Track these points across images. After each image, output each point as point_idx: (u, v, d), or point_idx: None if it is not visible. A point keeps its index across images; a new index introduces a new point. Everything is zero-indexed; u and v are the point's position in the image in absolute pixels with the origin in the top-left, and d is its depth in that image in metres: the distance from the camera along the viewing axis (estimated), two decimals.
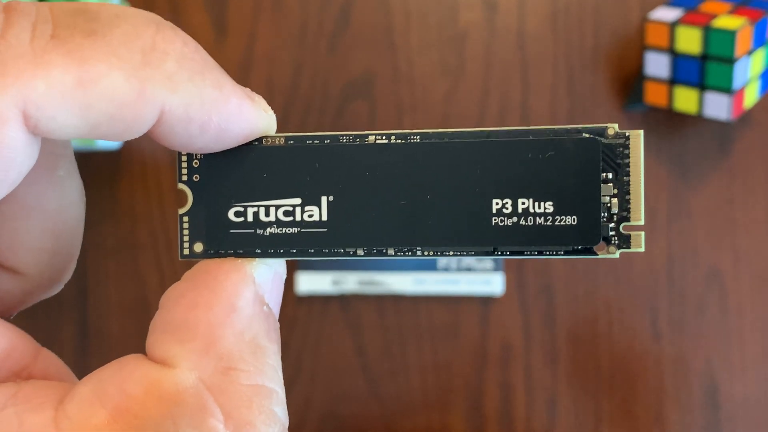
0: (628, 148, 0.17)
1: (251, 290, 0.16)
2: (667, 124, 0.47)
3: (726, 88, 0.41)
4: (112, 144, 0.46)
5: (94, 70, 0.14)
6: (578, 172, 0.17)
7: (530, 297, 0.48)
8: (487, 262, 0.46)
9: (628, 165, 0.17)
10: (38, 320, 0.49)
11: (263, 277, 0.17)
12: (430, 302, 0.48)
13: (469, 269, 0.46)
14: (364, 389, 0.48)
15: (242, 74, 0.48)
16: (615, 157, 0.17)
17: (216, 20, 0.49)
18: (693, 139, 0.47)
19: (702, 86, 0.42)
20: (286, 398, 0.17)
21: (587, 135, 0.17)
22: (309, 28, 0.48)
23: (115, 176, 0.49)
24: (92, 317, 0.49)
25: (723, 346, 0.47)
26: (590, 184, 0.17)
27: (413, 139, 0.17)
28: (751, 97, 0.43)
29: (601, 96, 0.47)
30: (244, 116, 0.16)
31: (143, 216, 0.49)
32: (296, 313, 0.48)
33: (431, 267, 0.46)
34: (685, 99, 0.43)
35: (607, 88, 0.47)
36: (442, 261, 0.46)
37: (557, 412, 0.47)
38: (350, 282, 0.46)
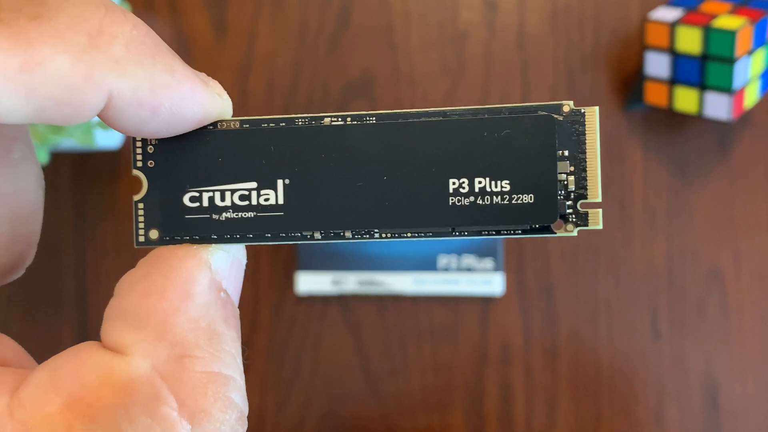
0: (584, 125, 0.17)
1: (207, 276, 0.16)
2: (667, 124, 0.47)
3: (726, 88, 0.41)
4: (111, 144, 0.46)
5: (39, 54, 0.14)
6: (534, 150, 0.17)
7: (530, 297, 0.48)
8: (487, 261, 0.46)
9: (584, 142, 0.17)
10: (38, 320, 0.49)
11: (220, 263, 0.16)
12: (430, 302, 0.48)
13: (469, 269, 0.46)
14: (364, 389, 0.48)
15: (242, 74, 0.48)
16: (571, 135, 0.17)
17: (216, 20, 0.49)
18: (693, 139, 0.47)
19: (702, 86, 0.42)
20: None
21: (542, 113, 0.17)
22: (309, 28, 0.48)
23: (115, 176, 0.49)
24: (92, 317, 0.49)
25: (723, 346, 0.47)
26: (546, 161, 0.17)
27: (369, 120, 0.17)
28: (751, 97, 0.43)
29: (601, 96, 0.47)
30: (196, 100, 0.16)
31: None
32: (296, 313, 0.48)
33: (431, 267, 0.46)
34: (685, 99, 0.43)
35: (607, 88, 0.47)
36: (442, 261, 0.46)
37: (557, 412, 0.47)
38: (350, 282, 0.46)
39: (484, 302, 0.48)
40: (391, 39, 0.48)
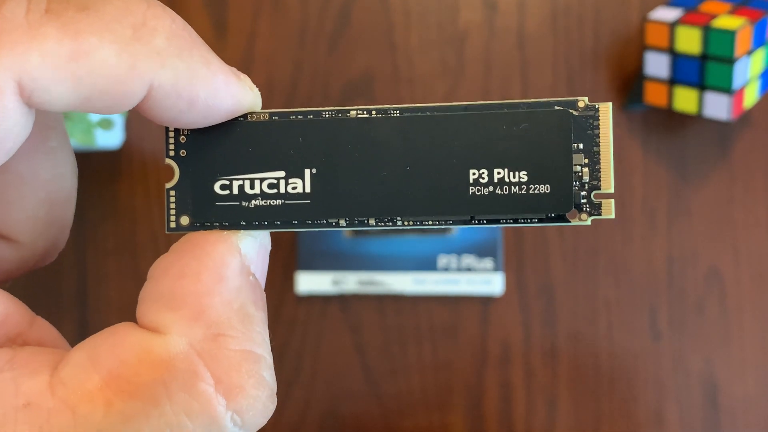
0: (598, 120, 0.18)
1: (237, 260, 0.17)
2: (667, 124, 0.47)
3: (726, 88, 0.41)
4: (112, 144, 0.46)
5: (87, 44, 0.14)
6: (551, 143, 0.17)
7: (530, 297, 0.48)
8: (487, 261, 0.46)
9: (597, 136, 0.18)
10: None
11: (249, 248, 0.17)
12: (430, 302, 0.48)
13: (469, 269, 0.46)
14: (364, 389, 0.48)
15: None
16: (585, 128, 0.18)
17: (216, 20, 0.49)
18: (693, 139, 0.47)
19: (702, 86, 0.42)
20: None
21: (559, 107, 0.18)
22: (309, 28, 0.48)
23: (115, 176, 0.49)
24: (92, 317, 0.49)
25: (723, 346, 0.47)
26: (562, 154, 0.17)
27: (393, 113, 0.18)
28: (751, 97, 0.43)
29: (601, 96, 0.47)
30: (230, 92, 0.16)
31: (143, 216, 0.49)
32: (296, 313, 0.48)
33: (431, 267, 0.46)
34: (685, 99, 0.43)
35: (607, 88, 0.47)
36: (442, 261, 0.46)
37: (557, 412, 0.48)
38: (350, 282, 0.46)
39: (484, 302, 0.48)
40: (391, 39, 0.48)
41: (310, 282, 0.47)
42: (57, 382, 0.15)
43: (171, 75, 0.15)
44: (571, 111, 0.18)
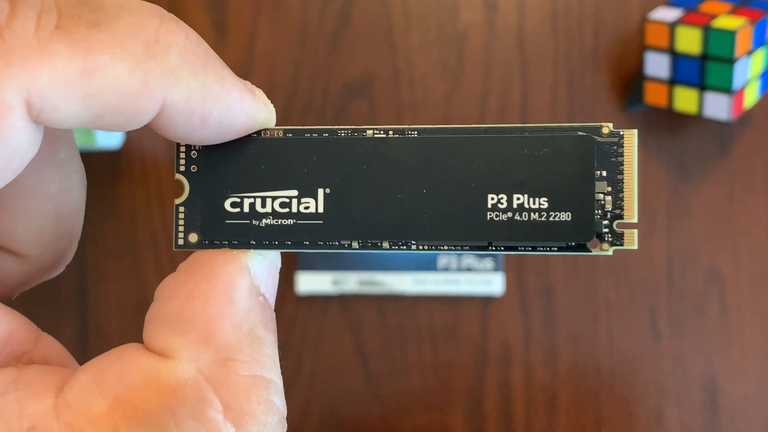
0: (623, 147, 0.17)
1: (247, 281, 0.16)
2: (667, 124, 0.47)
3: (726, 88, 0.41)
4: (112, 144, 0.46)
5: (98, 61, 0.14)
6: (573, 170, 0.17)
7: (530, 297, 0.48)
8: (487, 262, 0.46)
9: (622, 163, 0.17)
10: (38, 320, 0.49)
11: (259, 268, 0.17)
12: (430, 302, 0.48)
13: (469, 269, 0.46)
14: (364, 389, 0.48)
15: (242, 74, 0.48)
16: (609, 156, 0.17)
17: (216, 20, 0.49)
18: (693, 139, 0.47)
19: (702, 86, 0.42)
20: (287, 398, 0.17)
21: (582, 133, 0.17)
22: (309, 28, 0.48)
23: (115, 176, 0.49)
24: (92, 317, 0.49)
25: (723, 346, 0.47)
26: (584, 181, 0.17)
27: (411, 134, 0.17)
28: (751, 97, 0.43)
29: (601, 96, 0.47)
30: (244, 110, 0.16)
31: (143, 216, 0.49)
32: (296, 313, 0.48)
33: (431, 267, 0.46)
34: (685, 99, 0.43)
35: (607, 88, 0.47)
36: (442, 261, 0.46)
37: (557, 412, 0.47)
38: (350, 282, 0.46)
39: (484, 302, 0.48)
40: (391, 39, 0.48)
41: (310, 282, 0.47)
42: (62, 405, 0.14)
43: (184, 93, 0.15)
44: (594, 137, 0.17)
